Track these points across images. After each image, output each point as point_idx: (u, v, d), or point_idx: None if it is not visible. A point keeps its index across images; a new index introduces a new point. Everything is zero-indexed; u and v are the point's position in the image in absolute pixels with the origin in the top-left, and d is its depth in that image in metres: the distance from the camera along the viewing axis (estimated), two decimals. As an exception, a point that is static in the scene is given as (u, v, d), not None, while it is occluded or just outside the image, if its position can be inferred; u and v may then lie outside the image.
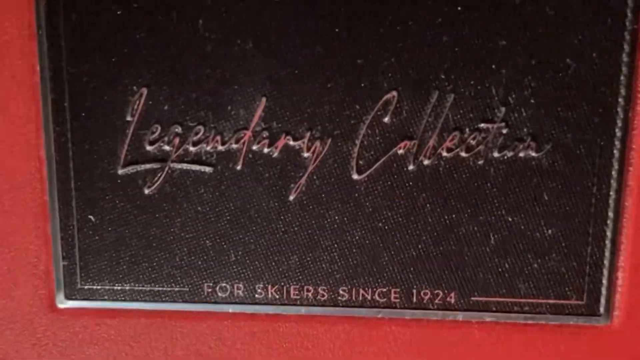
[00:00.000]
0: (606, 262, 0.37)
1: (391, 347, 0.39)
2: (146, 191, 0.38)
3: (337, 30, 0.35)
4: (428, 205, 0.37)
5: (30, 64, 0.36)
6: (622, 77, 0.35)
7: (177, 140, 0.37)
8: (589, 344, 0.38)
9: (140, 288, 0.39)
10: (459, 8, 0.34)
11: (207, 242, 0.38)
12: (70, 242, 0.39)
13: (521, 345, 0.38)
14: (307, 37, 0.35)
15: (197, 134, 0.37)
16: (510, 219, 0.37)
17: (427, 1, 0.34)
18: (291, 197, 0.38)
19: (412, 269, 0.38)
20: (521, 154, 0.36)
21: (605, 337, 0.38)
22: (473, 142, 0.36)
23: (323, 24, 0.35)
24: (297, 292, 0.39)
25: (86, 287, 0.40)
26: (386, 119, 0.36)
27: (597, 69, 0.35)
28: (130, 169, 0.38)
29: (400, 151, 0.37)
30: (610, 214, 0.36)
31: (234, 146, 0.37)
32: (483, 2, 0.34)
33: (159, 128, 0.37)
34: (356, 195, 0.37)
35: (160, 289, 0.39)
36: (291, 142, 0.37)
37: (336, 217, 0.38)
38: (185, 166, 0.38)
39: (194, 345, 0.40)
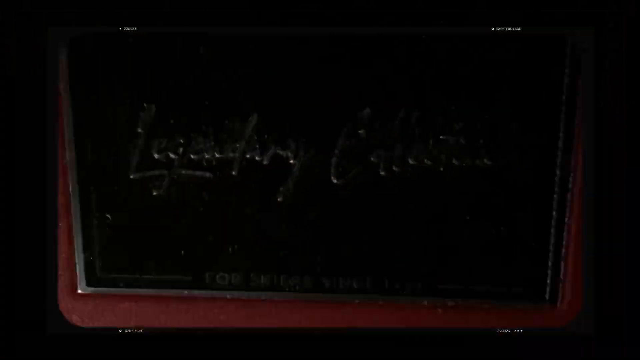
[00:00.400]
0: (551, 255, 0.42)
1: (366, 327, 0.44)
2: (155, 193, 0.43)
3: (319, 57, 0.40)
4: (398, 206, 0.42)
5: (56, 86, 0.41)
6: (563, 97, 0.40)
7: (181, 150, 0.42)
8: (536, 320, 0.43)
9: (149, 277, 0.44)
10: (424, 38, 0.40)
11: (208, 237, 0.43)
12: (90, 237, 0.43)
13: (477, 322, 0.43)
14: (293, 64, 0.40)
15: (198, 144, 0.42)
16: (468, 218, 0.42)
17: (396, 37, 0.40)
18: (279, 199, 0.42)
19: (385, 261, 0.43)
20: (477, 162, 0.41)
21: (550, 315, 0.43)
22: (435, 152, 0.42)
23: (308, 53, 0.40)
24: (285, 281, 0.44)
25: (104, 275, 0.44)
26: (361, 132, 0.42)
27: (543, 85, 0.40)
28: (141, 174, 0.43)
29: (374, 159, 0.42)
30: (554, 214, 0.42)
31: (230, 155, 0.42)
32: (444, 40, 0.40)
33: (166, 139, 0.42)
34: (336, 197, 0.42)
35: (167, 277, 0.44)
36: (280, 151, 0.42)
37: (318, 216, 0.42)
38: (188, 172, 0.43)
39: (196, 325, 0.44)
